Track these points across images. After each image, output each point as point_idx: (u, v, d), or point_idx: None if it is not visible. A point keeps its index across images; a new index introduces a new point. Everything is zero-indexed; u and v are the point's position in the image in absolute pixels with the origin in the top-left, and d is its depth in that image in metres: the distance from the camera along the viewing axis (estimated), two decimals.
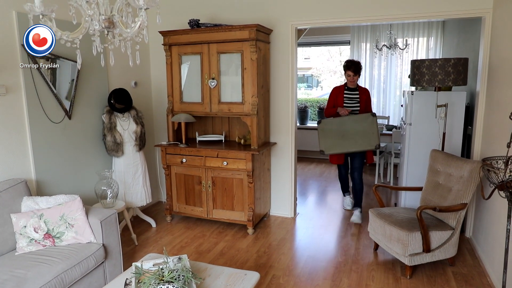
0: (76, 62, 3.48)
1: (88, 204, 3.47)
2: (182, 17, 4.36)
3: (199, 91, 4.12)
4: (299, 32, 4.50)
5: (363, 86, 5.34)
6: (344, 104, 4.32)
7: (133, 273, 2.05)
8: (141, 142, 3.97)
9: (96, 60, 3.73)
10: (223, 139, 4.35)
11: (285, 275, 3.20)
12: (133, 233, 3.79)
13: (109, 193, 3.54)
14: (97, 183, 3.59)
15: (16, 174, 3.09)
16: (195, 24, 4.05)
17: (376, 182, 5.62)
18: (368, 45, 7.16)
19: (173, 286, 1.89)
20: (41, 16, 1.47)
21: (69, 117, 3.56)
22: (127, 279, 2.18)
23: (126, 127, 3.84)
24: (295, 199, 4.57)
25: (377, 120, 4.17)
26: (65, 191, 3.46)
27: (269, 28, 4.10)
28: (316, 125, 7.72)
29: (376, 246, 3.61)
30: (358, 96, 4.33)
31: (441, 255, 3.11)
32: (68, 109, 3.53)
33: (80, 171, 3.72)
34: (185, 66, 4.18)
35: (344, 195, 4.93)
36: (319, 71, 11.84)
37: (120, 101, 3.80)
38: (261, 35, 3.92)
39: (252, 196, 3.91)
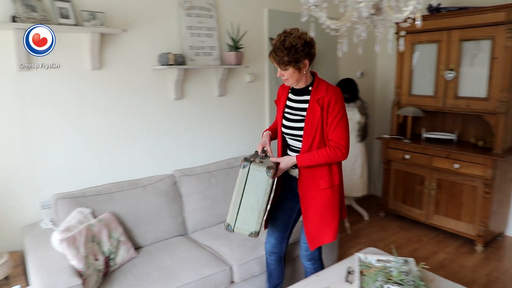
0: None
1: None
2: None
3: (432, 83, 3.73)
4: None
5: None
6: (283, 122, 2.22)
7: (360, 264, 2.03)
8: (364, 133, 3.93)
9: (329, 49, 3.91)
10: (455, 138, 3.84)
11: None
12: (347, 222, 3.83)
13: None
14: None
15: (252, 151, 3.56)
16: (435, 9, 3.67)
17: None
18: None
19: None
20: (313, 7, 1.57)
21: None
22: (349, 267, 2.19)
23: (350, 116, 3.86)
24: None
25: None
26: None
27: None
28: None
29: None
30: (306, 106, 2.11)
31: None
32: None
33: None
34: (416, 56, 3.86)
35: None
36: None
37: (347, 91, 3.85)
38: None
39: (487, 209, 3.32)
